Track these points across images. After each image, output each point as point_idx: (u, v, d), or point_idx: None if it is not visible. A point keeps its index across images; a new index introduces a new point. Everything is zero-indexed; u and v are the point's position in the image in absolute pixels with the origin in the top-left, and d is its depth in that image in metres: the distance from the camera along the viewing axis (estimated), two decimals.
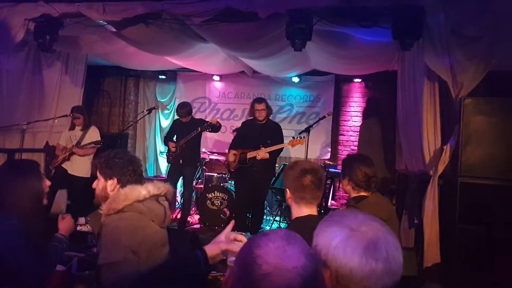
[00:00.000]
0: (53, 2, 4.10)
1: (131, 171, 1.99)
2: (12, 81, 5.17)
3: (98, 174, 2.04)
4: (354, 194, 2.39)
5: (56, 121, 5.44)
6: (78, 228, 4.86)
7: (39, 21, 4.16)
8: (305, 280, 0.85)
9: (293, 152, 6.33)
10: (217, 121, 5.30)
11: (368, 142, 6.19)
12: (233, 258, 1.15)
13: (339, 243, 0.94)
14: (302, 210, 1.87)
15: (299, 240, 0.92)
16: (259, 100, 4.90)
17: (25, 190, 1.91)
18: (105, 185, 2.00)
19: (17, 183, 1.91)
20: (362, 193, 2.37)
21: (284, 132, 5.09)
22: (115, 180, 1.98)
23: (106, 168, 2.00)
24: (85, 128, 5.30)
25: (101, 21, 4.17)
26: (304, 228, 1.80)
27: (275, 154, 4.83)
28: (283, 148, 4.88)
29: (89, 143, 5.13)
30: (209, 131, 5.34)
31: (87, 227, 4.91)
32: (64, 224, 2.04)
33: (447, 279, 3.54)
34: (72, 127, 5.33)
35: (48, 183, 2.05)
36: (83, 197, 5.25)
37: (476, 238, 3.39)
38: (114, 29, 4.32)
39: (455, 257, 3.51)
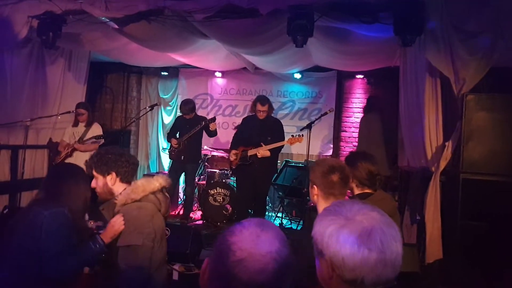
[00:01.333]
0: None
1: (125, 162, 2.15)
2: (15, 78, 5.20)
3: (94, 173, 2.17)
4: (357, 191, 2.39)
5: (59, 117, 5.47)
6: None
7: (42, 18, 4.17)
8: (279, 264, 0.86)
9: (295, 148, 6.34)
10: (216, 129, 5.32)
11: (367, 138, 6.18)
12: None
13: (333, 231, 0.95)
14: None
15: (272, 226, 0.94)
16: (262, 101, 4.79)
17: (76, 191, 2.13)
18: (105, 182, 2.14)
19: (71, 185, 2.14)
20: (366, 190, 2.37)
21: (286, 129, 5.09)
22: (113, 174, 2.13)
23: (101, 165, 2.14)
24: (88, 125, 5.32)
25: (103, 18, 4.18)
26: None
27: (275, 151, 4.84)
28: (283, 145, 4.88)
29: (90, 138, 5.14)
30: (206, 127, 5.28)
31: (90, 223, 4.95)
32: (111, 230, 2.05)
33: (449, 275, 3.55)
34: (75, 124, 5.35)
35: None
36: None
37: (478, 234, 3.39)
38: (116, 26, 4.34)
39: (457, 253, 3.51)
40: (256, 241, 0.88)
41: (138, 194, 2.06)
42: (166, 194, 2.22)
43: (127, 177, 2.16)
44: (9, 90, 5.17)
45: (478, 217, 3.43)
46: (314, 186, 1.94)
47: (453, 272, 3.52)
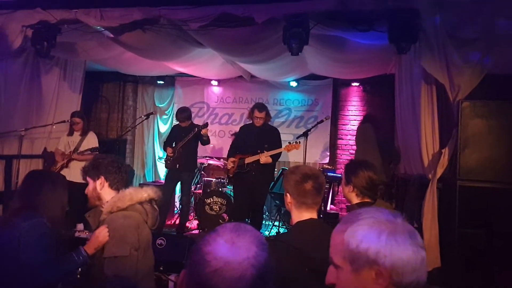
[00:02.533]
0: (50, 9, 4.11)
1: (116, 168, 2.17)
2: (10, 87, 5.17)
3: (87, 178, 2.20)
4: (357, 201, 2.32)
5: (54, 127, 5.43)
6: (77, 234, 4.84)
7: (36, 27, 4.16)
8: (257, 269, 0.83)
9: (292, 156, 6.32)
10: (208, 137, 5.28)
11: (363, 145, 6.20)
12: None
13: (387, 237, 0.92)
14: (303, 214, 1.86)
15: (249, 230, 0.90)
16: (260, 108, 4.81)
17: (53, 199, 2.13)
18: (94, 186, 2.17)
19: (48, 191, 2.14)
20: (366, 200, 2.30)
21: (283, 137, 5.08)
22: (102, 178, 2.15)
23: (92, 170, 2.18)
24: (83, 134, 5.29)
25: (98, 27, 4.18)
26: (307, 232, 1.81)
27: (274, 159, 4.82)
28: (281, 152, 4.87)
29: (86, 150, 5.11)
30: (199, 135, 5.22)
31: (86, 233, 4.89)
32: (95, 241, 2.02)
33: (447, 283, 3.51)
34: (70, 133, 5.32)
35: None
36: (81, 203, 5.22)
37: (476, 241, 3.37)
38: (111, 35, 4.33)
39: (455, 261, 3.48)
40: (231, 248, 0.84)
41: (124, 202, 2.05)
42: (155, 206, 2.21)
43: (117, 184, 2.16)
44: (3, 99, 5.14)
45: (476, 224, 3.42)
46: (287, 194, 1.90)
47: (451, 280, 3.49)
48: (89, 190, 2.18)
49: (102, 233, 2.00)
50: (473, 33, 3.40)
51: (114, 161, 2.18)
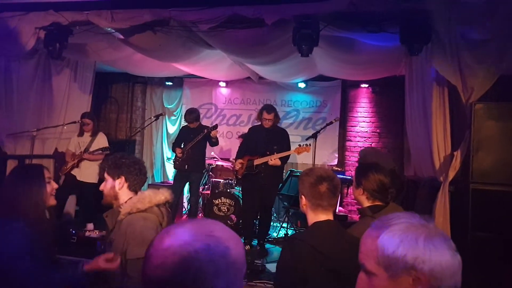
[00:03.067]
0: (62, 11, 4.14)
1: (137, 170, 2.15)
2: (22, 88, 5.24)
3: (106, 175, 2.17)
4: (368, 204, 2.29)
5: (65, 127, 5.49)
6: (87, 234, 4.88)
7: (49, 29, 4.20)
8: (181, 257, 0.79)
9: (300, 158, 6.29)
10: (217, 138, 5.30)
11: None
12: None
13: (425, 242, 0.90)
14: (319, 216, 1.85)
15: (197, 222, 0.88)
16: (268, 109, 4.80)
17: (27, 195, 1.98)
18: (113, 185, 2.14)
19: (19, 188, 2.00)
20: (377, 203, 2.26)
21: (291, 138, 5.06)
22: (123, 178, 2.13)
23: (114, 168, 2.14)
24: (94, 135, 5.36)
25: (109, 29, 4.21)
26: (324, 232, 1.80)
27: (283, 161, 4.81)
28: (290, 154, 4.85)
29: (97, 149, 5.17)
30: (208, 136, 5.24)
31: (96, 233, 4.93)
32: (95, 265, 1.90)
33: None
34: (81, 133, 5.37)
35: (55, 185, 2.15)
36: (92, 203, 5.29)
37: (489, 245, 3.32)
38: (122, 36, 4.36)
39: (468, 266, 3.42)
40: (164, 236, 0.84)
41: (144, 204, 2.05)
42: (169, 209, 2.23)
43: (135, 186, 2.15)
44: (15, 100, 5.21)
45: (489, 228, 3.37)
46: (303, 197, 1.89)
47: (464, 284, 3.44)
48: (106, 187, 2.15)
49: (106, 262, 1.89)
50: (486, 34, 3.36)
51: (136, 162, 2.17)
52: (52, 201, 2.14)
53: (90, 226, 5.26)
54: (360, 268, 1.00)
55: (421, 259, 0.89)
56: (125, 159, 2.16)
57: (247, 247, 4.92)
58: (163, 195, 2.13)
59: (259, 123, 4.94)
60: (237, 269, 0.85)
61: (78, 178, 5.29)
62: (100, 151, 5.16)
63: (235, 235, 0.89)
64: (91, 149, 5.24)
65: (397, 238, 0.92)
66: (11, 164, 5.22)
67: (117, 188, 2.13)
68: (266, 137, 4.84)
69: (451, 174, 3.61)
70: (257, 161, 4.79)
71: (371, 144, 6.62)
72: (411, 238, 0.91)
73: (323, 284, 1.67)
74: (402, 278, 0.90)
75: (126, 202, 2.10)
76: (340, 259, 1.69)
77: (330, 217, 1.86)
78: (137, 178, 2.14)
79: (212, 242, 0.82)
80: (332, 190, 1.83)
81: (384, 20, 3.52)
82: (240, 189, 5.41)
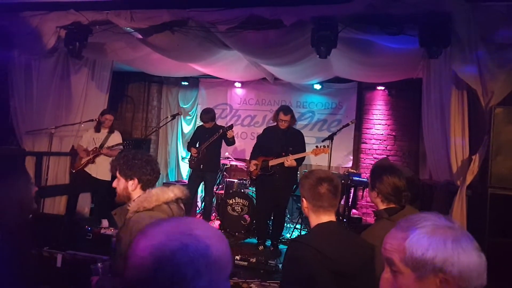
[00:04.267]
0: (83, 10, 4.22)
1: (150, 170, 2.12)
2: (41, 87, 5.35)
3: (117, 174, 2.15)
4: (383, 207, 2.28)
5: (82, 125, 5.59)
6: (102, 231, 4.95)
7: (69, 28, 4.29)
8: (157, 258, 0.77)
9: (315, 160, 6.28)
10: (233, 138, 5.33)
11: None
12: None
13: (453, 244, 0.91)
14: (321, 218, 1.86)
15: (174, 222, 0.86)
16: (285, 111, 4.79)
17: (6, 196, 1.67)
18: (126, 186, 2.13)
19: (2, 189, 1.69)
20: (392, 205, 2.26)
21: (305, 139, 5.05)
22: (136, 180, 2.11)
23: (126, 169, 2.11)
24: (111, 132, 5.47)
25: (128, 29, 4.27)
26: (328, 234, 1.80)
27: (299, 162, 4.80)
28: (307, 155, 4.84)
29: (116, 145, 5.28)
30: (224, 136, 5.28)
31: (111, 230, 5.00)
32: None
33: None
34: (97, 130, 5.46)
35: (35, 188, 1.86)
36: (106, 200, 5.37)
37: (507, 251, 3.26)
38: (140, 36, 4.41)
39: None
40: (140, 237, 0.82)
41: (151, 203, 2.02)
42: (181, 205, 2.17)
43: (148, 186, 2.13)
44: (35, 98, 5.32)
45: (508, 233, 3.31)
46: (303, 199, 1.90)
47: None
48: (119, 187, 2.15)
49: None
50: (507, 38, 3.31)
51: (148, 162, 2.14)
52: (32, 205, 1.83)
53: (105, 222, 5.34)
54: (366, 269, 1.00)
55: (450, 262, 0.89)
56: (138, 159, 2.12)
57: (261, 247, 4.93)
58: (173, 192, 2.08)
59: (274, 123, 4.94)
60: (221, 268, 0.82)
61: (94, 175, 5.38)
62: (118, 147, 5.31)
63: (217, 232, 0.86)
64: (107, 145, 5.33)
65: (425, 241, 0.93)
66: (29, 161, 5.34)
67: (130, 189, 2.12)
68: (281, 138, 4.84)
69: (469, 178, 3.56)
70: (272, 162, 4.80)
71: (386, 147, 6.57)
72: (439, 240, 0.91)
73: (329, 286, 1.67)
74: (430, 279, 0.91)
75: (134, 200, 2.08)
76: (345, 260, 1.70)
77: (332, 218, 1.87)
78: (150, 177, 2.12)
79: (190, 241, 0.79)
80: (333, 190, 1.84)
81: (403, 22, 3.49)
82: (254, 189, 5.43)
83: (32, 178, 2.09)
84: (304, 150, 4.80)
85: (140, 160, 2.13)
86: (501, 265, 3.28)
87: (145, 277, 0.77)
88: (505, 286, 3.22)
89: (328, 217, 1.85)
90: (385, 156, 6.44)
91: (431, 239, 0.92)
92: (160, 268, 0.77)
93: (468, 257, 0.90)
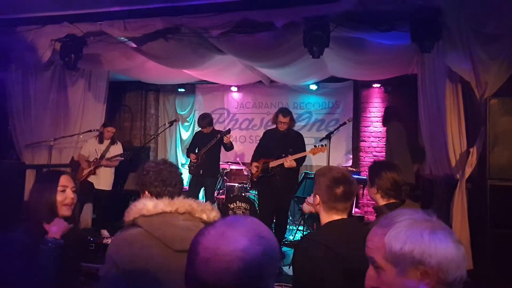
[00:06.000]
0: (77, 22, 4.25)
1: (160, 182, 1.95)
2: (39, 100, 5.37)
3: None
4: (383, 202, 2.28)
5: (81, 136, 5.61)
6: (105, 241, 4.95)
7: (64, 41, 4.32)
8: (246, 263, 0.80)
9: (315, 160, 6.28)
10: (231, 143, 5.34)
11: (394, 146, 6.11)
12: None
13: (430, 236, 0.92)
14: (333, 217, 1.84)
15: (246, 223, 0.88)
16: (284, 113, 4.77)
17: (39, 197, 1.94)
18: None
19: (35, 190, 1.99)
20: (392, 201, 2.27)
21: (304, 140, 5.06)
22: (147, 193, 1.98)
23: (138, 184, 2.01)
24: (113, 143, 5.51)
25: (122, 38, 4.30)
26: (339, 231, 1.78)
27: (299, 163, 4.80)
28: (305, 156, 4.85)
29: (115, 156, 5.30)
30: (222, 141, 5.29)
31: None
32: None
33: (480, 285, 3.41)
34: (100, 141, 5.48)
35: (70, 195, 2.00)
36: (107, 209, 5.38)
37: (509, 242, 3.26)
38: (134, 45, 4.44)
39: (487, 263, 3.38)
40: (219, 240, 0.83)
41: (129, 216, 1.82)
42: (182, 222, 1.89)
43: (161, 197, 1.91)
44: (33, 112, 5.34)
45: (509, 224, 3.31)
46: (317, 196, 1.87)
47: (484, 282, 3.39)
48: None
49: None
50: (498, 29, 3.32)
51: (157, 173, 1.97)
52: (63, 211, 1.97)
53: (105, 232, 5.34)
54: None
55: (428, 253, 0.91)
56: (147, 171, 1.97)
57: None
58: (153, 204, 1.80)
59: (274, 126, 4.95)
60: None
61: (96, 186, 5.39)
62: (118, 157, 5.34)
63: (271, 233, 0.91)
64: (107, 156, 5.36)
65: (403, 234, 0.94)
66: (29, 174, 5.35)
67: None
68: (281, 140, 4.84)
69: (468, 171, 3.57)
70: (272, 163, 4.80)
71: (385, 144, 6.57)
72: (416, 233, 0.93)
73: (341, 284, 1.65)
74: (411, 273, 0.92)
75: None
76: (357, 257, 1.68)
77: (344, 217, 1.84)
78: (161, 190, 1.93)
79: (265, 244, 0.85)
80: (348, 194, 1.81)
81: (394, 18, 3.51)
82: (255, 192, 5.42)
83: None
84: (304, 151, 4.80)
85: (149, 172, 1.99)
86: (503, 255, 3.29)
87: (232, 280, 0.80)
88: (509, 275, 3.23)
89: (339, 216, 1.83)
90: (384, 153, 6.45)
91: (408, 233, 0.94)
92: (249, 271, 0.80)
93: (445, 248, 0.91)
